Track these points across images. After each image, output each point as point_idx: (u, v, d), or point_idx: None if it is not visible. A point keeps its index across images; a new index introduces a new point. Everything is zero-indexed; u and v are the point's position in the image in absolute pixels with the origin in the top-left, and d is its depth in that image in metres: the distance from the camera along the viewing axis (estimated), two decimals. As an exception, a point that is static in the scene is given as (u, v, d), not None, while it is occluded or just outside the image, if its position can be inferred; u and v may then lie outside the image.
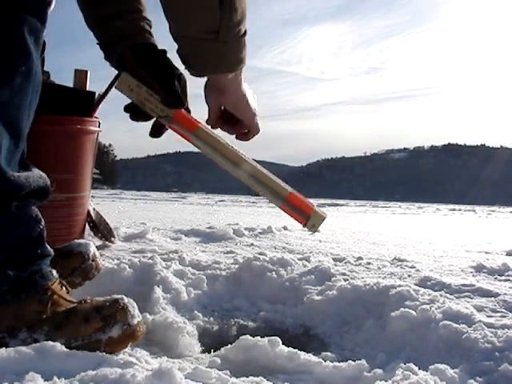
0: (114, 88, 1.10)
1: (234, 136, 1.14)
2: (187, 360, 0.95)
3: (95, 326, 0.88)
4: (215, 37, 0.87)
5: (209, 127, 1.09)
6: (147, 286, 1.28)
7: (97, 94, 1.68)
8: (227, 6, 0.85)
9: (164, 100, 1.04)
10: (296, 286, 1.41)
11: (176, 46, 0.95)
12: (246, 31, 0.93)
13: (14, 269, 0.88)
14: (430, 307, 1.10)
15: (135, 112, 1.08)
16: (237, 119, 1.10)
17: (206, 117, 1.09)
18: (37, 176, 0.94)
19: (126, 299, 0.93)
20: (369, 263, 1.76)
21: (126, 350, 0.92)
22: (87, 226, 1.83)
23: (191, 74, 0.96)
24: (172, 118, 1.05)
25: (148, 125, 1.12)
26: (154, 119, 1.10)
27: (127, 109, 1.09)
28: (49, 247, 0.96)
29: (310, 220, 1.06)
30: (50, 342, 0.79)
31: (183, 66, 0.97)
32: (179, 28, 0.90)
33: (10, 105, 0.84)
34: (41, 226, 0.94)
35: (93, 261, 1.32)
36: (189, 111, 1.11)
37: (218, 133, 1.09)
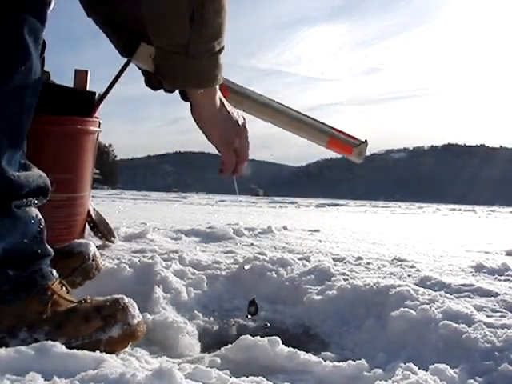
0: (124, 74, 1.09)
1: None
2: (187, 360, 0.96)
3: (95, 325, 0.88)
4: (185, 51, 0.87)
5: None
6: (147, 286, 1.28)
7: (97, 94, 1.69)
8: (198, 21, 0.85)
9: None
10: (296, 286, 1.41)
11: None
12: (221, 48, 0.91)
13: (14, 268, 0.88)
14: (430, 307, 1.10)
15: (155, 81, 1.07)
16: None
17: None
18: (37, 176, 0.94)
19: (126, 299, 0.93)
20: (369, 263, 1.76)
21: (126, 349, 0.92)
22: (87, 226, 1.83)
23: (164, 86, 0.95)
24: None
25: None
26: None
27: (151, 76, 1.06)
28: (49, 247, 0.96)
29: (357, 147, 1.17)
30: (51, 342, 0.79)
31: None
32: (154, 38, 0.90)
33: (9, 105, 0.84)
34: (41, 226, 0.94)
35: (93, 260, 1.32)
36: None
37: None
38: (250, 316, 1.17)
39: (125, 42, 1.12)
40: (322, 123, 1.15)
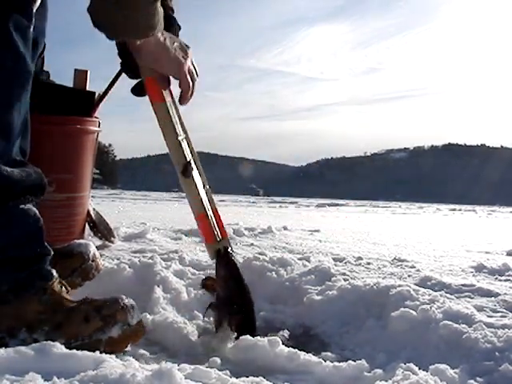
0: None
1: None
2: (187, 360, 0.95)
3: (95, 325, 0.87)
4: (115, 1, 0.85)
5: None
6: (147, 286, 1.28)
7: (97, 94, 1.69)
8: None
9: None
10: (296, 286, 1.41)
11: None
12: None
13: (13, 268, 0.88)
14: (430, 307, 1.10)
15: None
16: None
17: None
18: (32, 172, 0.93)
19: (126, 299, 0.93)
20: (369, 263, 1.76)
21: (126, 349, 0.92)
22: (87, 226, 1.83)
23: (106, 36, 0.93)
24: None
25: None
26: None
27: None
28: (48, 246, 0.95)
29: (217, 242, 1.16)
30: (50, 342, 0.79)
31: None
32: None
33: None
34: (39, 225, 0.93)
35: (93, 261, 1.32)
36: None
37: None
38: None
39: None
40: (211, 199, 1.20)
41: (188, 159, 1.12)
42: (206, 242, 1.16)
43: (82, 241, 1.41)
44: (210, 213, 1.18)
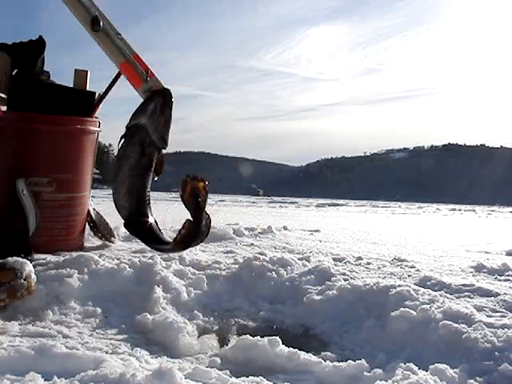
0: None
1: None
2: (187, 360, 0.95)
3: None
4: None
5: None
6: (147, 286, 1.28)
7: (97, 94, 1.69)
8: None
9: None
10: (296, 286, 1.41)
11: None
12: None
13: None
14: (430, 307, 1.10)
15: None
16: None
17: None
18: None
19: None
20: (369, 263, 1.76)
21: (126, 349, 0.92)
22: (87, 226, 1.83)
23: None
24: None
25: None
26: None
27: None
28: None
29: (146, 83, 1.23)
30: (51, 342, 0.78)
31: None
32: None
33: None
34: None
35: (25, 280, 1.20)
36: None
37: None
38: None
39: None
40: (127, 45, 1.22)
41: (95, 14, 1.17)
42: (136, 87, 1.22)
43: (19, 258, 1.29)
44: (131, 57, 1.22)
